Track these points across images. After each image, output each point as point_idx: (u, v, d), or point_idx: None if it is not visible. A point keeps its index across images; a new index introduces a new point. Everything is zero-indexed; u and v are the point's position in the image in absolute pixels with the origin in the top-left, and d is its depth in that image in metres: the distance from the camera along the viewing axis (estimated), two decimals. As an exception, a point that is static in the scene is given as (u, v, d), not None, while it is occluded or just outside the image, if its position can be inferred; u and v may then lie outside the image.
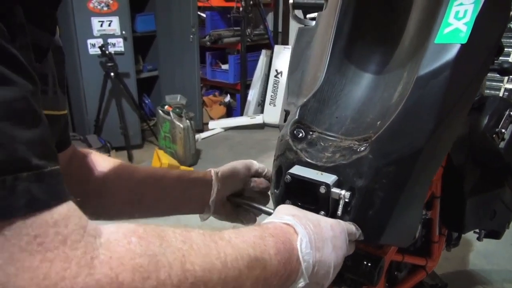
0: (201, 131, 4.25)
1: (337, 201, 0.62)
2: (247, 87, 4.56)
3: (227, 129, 4.37)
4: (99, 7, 3.37)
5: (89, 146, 3.22)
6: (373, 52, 0.79)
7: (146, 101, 4.48)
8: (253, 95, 4.55)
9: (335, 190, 0.62)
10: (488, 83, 3.84)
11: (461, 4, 0.61)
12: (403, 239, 0.81)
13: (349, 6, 0.80)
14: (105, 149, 3.31)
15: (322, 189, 0.62)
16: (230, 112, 4.78)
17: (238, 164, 0.83)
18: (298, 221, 0.55)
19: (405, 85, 0.67)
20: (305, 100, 0.74)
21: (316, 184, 0.62)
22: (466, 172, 1.02)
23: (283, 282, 0.51)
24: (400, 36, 0.77)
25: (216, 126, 4.37)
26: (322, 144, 0.69)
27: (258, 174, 0.85)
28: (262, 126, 4.38)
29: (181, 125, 3.33)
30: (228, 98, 4.76)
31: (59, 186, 0.36)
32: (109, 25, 3.44)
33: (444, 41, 0.60)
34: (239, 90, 4.58)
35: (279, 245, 0.51)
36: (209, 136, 4.20)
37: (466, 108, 0.66)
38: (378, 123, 0.66)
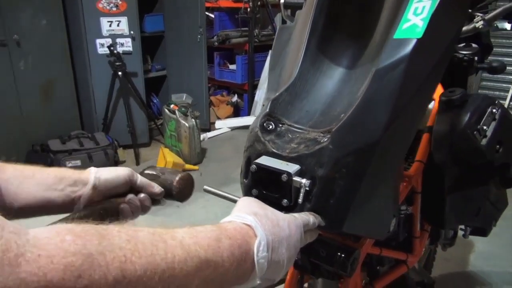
0: (208, 130, 4.30)
1: (298, 189, 0.65)
2: (255, 87, 4.60)
3: (233, 128, 4.41)
4: (108, 7, 3.44)
5: (97, 143, 3.30)
6: (346, 47, 0.82)
7: (154, 100, 4.55)
8: (260, 95, 4.58)
9: (296, 178, 0.64)
10: (497, 84, 3.80)
11: (420, 1, 0.63)
12: (375, 231, 0.83)
13: (324, 4, 0.83)
14: (113, 147, 3.38)
15: (284, 178, 0.64)
16: (237, 112, 4.82)
17: (120, 168, 0.77)
18: (259, 221, 0.55)
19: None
20: (277, 94, 0.77)
21: (279, 172, 0.65)
22: (447, 169, 1.03)
23: (233, 282, 0.53)
24: (372, 32, 0.79)
25: (223, 125, 4.41)
26: (290, 136, 0.72)
27: (138, 187, 0.77)
28: (268, 126, 4.40)
29: (187, 124, 3.38)
30: (235, 98, 4.80)
31: None
32: (118, 25, 3.52)
33: (402, 36, 0.62)
34: (247, 90, 4.62)
35: (234, 248, 0.51)
36: (215, 136, 4.25)
37: (424, 102, 0.68)
38: (342, 115, 0.68)
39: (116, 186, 0.74)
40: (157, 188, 0.78)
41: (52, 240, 0.37)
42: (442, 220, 1.07)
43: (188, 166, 3.36)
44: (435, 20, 0.61)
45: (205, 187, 0.74)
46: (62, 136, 3.25)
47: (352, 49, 0.81)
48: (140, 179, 0.77)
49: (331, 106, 0.75)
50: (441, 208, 1.06)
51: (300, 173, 0.66)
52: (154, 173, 0.82)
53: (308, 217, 0.63)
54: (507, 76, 3.72)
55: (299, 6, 1.37)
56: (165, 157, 3.23)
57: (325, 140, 0.65)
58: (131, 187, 0.77)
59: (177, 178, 0.80)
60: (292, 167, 0.65)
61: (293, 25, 0.93)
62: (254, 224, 0.55)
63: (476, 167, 1.08)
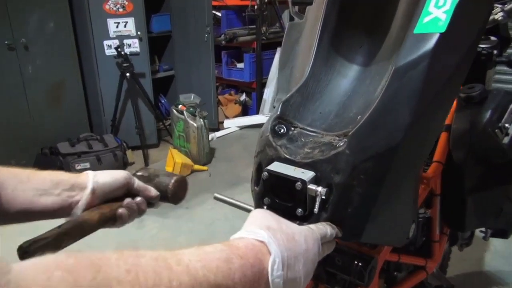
0: (217, 130, 4.27)
1: (313, 198, 0.60)
2: (263, 85, 4.55)
3: (242, 127, 4.37)
4: (114, 8, 3.43)
5: (106, 145, 3.29)
6: (361, 43, 0.77)
7: (162, 101, 4.53)
8: (268, 93, 4.54)
9: (311, 186, 0.60)
10: (504, 77, 3.70)
11: (442, -8, 0.58)
12: (394, 238, 0.78)
13: (336, -2, 0.78)
14: (121, 148, 3.37)
15: (298, 186, 0.60)
16: (245, 110, 4.78)
17: (118, 172, 0.75)
18: (272, 236, 0.52)
19: (388, 78, 0.64)
20: (288, 95, 0.73)
21: (292, 180, 0.61)
22: (467, 169, 0.98)
23: None
24: (388, 27, 0.74)
25: (232, 125, 4.38)
26: (303, 140, 0.68)
27: (135, 190, 0.76)
28: (277, 124, 4.36)
29: (195, 124, 3.35)
30: (243, 97, 4.76)
31: None
32: (125, 26, 3.50)
33: (423, 31, 0.58)
34: (255, 88, 4.57)
35: (246, 269, 0.48)
36: (224, 135, 4.22)
37: (448, 100, 0.63)
38: (359, 117, 0.64)
39: (114, 189, 0.73)
40: (153, 192, 0.77)
41: (39, 278, 0.33)
42: (462, 223, 1.02)
43: (197, 167, 3.34)
44: (459, 13, 0.56)
45: (216, 194, 0.70)
46: (71, 138, 3.25)
47: (367, 45, 0.76)
48: (137, 183, 0.76)
49: (346, 107, 0.71)
50: (462, 210, 1.01)
51: (315, 181, 0.62)
52: (147, 175, 0.81)
53: (325, 228, 0.59)
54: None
55: (308, 3, 1.33)
56: (174, 158, 3.20)
57: (342, 144, 0.61)
58: (128, 190, 0.76)
59: (172, 181, 0.79)
60: (307, 174, 0.61)
61: (303, 21, 0.89)
62: (267, 240, 0.51)
63: (497, 166, 1.03)
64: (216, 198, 0.71)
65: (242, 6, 4.40)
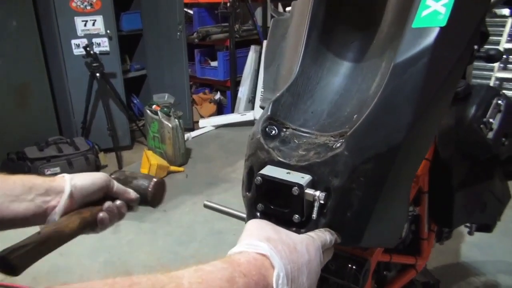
0: (192, 129, 4.20)
1: (311, 203, 0.57)
2: (237, 83, 4.51)
3: (218, 127, 4.32)
4: (82, 6, 3.30)
5: (77, 149, 3.16)
6: (351, 39, 0.74)
7: (135, 101, 4.41)
8: (243, 91, 4.50)
9: (309, 191, 0.57)
10: (478, 72, 3.81)
11: (439, -16, 0.56)
12: (388, 239, 0.76)
13: (324, -8, 0.75)
14: (93, 151, 3.25)
15: (295, 191, 0.57)
16: (220, 109, 4.73)
17: (96, 174, 0.71)
18: (274, 248, 0.49)
19: (383, 75, 0.62)
20: (278, 94, 0.69)
21: (289, 185, 0.57)
22: (454, 165, 0.97)
23: None
24: (378, 21, 0.72)
25: (207, 124, 4.32)
26: (296, 142, 0.64)
27: (114, 193, 0.72)
28: (253, 122, 4.31)
29: (170, 125, 3.27)
30: (218, 96, 4.70)
31: None
32: (93, 24, 3.37)
33: (422, 25, 0.55)
34: (229, 87, 4.53)
35: (250, 286, 0.45)
36: (199, 135, 4.15)
37: (448, 97, 0.61)
38: (355, 116, 0.61)
39: (93, 193, 0.69)
40: (133, 194, 0.74)
41: None
42: (450, 220, 1.01)
43: (173, 168, 3.26)
44: (459, 6, 0.54)
45: (206, 202, 0.66)
46: (39, 142, 3.10)
47: (358, 41, 0.74)
48: (116, 185, 0.72)
49: (339, 106, 0.67)
50: (449, 207, 1.00)
51: (312, 185, 0.58)
52: (123, 178, 0.78)
53: (325, 236, 0.56)
54: (488, 64, 3.72)
55: (286, 0, 1.30)
56: (149, 160, 3.12)
57: (339, 145, 0.58)
58: (106, 194, 0.72)
59: (152, 183, 0.76)
60: (303, 178, 0.58)
61: (288, 17, 0.86)
62: (269, 253, 0.47)
63: (482, 162, 1.03)
64: (206, 206, 0.67)
65: (214, 4, 4.34)
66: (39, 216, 0.64)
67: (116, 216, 0.73)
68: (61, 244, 0.63)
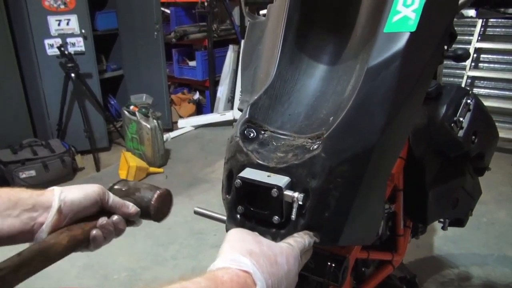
0: (171, 130, 4.17)
1: (290, 205, 0.58)
2: (216, 83, 4.50)
3: (197, 127, 4.30)
4: (55, 5, 3.22)
5: (52, 151, 3.09)
6: (325, 42, 0.76)
7: (112, 102, 4.34)
8: (222, 91, 4.49)
9: (287, 192, 0.58)
10: (451, 71, 3.92)
11: (409, -9, 0.58)
12: (366, 237, 0.78)
13: (299, -4, 0.76)
14: (70, 153, 3.19)
15: (274, 193, 0.58)
16: (200, 109, 4.70)
17: (89, 186, 0.66)
18: (256, 263, 0.49)
19: (357, 78, 0.64)
20: (255, 97, 0.70)
21: (268, 187, 0.58)
22: (427, 163, 1.01)
23: None
24: (352, 24, 0.74)
25: (186, 124, 4.29)
26: (274, 144, 0.65)
27: (110, 207, 0.67)
28: (232, 122, 4.33)
29: (148, 126, 3.24)
30: (197, 96, 4.68)
31: None
32: (67, 23, 3.30)
33: (393, 30, 0.57)
34: (208, 87, 4.51)
35: None
36: (179, 135, 4.12)
37: (420, 98, 0.63)
38: (331, 119, 0.62)
39: (85, 207, 0.63)
40: (132, 208, 0.68)
41: None
42: (425, 216, 1.05)
43: (152, 169, 3.23)
44: (428, 11, 0.56)
45: (196, 209, 0.66)
46: (12, 145, 3.02)
47: (332, 44, 0.75)
48: (112, 199, 0.66)
49: (315, 109, 0.69)
50: (424, 204, 1.04)
51: (290, 186, 0.59)
52: (126, 188, 0.72)
53: (304, 240, 0.58)
54: (461, 63, 3.83)
55: (260, 2, 1.30)
56: (128, 162, 3.08)
57: (316, 147, 0.59)
58: (102, 207, 0.66)
59: (155, 196, 0.69)
60: (282, 180, 0.59)
61: (264, 20, 0.87)
62: (252, 270, 0.48)
63: (454, 159, 1.07)
64: (196, 213, 0.67)
65: (191, 3, 4.31)
66: (26, 234, 0.59)
67: (112, 233, 0.67)
68: (46, 265, 0.58)
